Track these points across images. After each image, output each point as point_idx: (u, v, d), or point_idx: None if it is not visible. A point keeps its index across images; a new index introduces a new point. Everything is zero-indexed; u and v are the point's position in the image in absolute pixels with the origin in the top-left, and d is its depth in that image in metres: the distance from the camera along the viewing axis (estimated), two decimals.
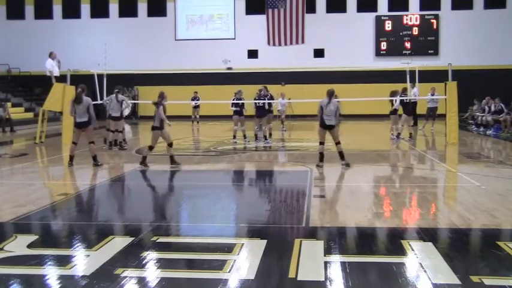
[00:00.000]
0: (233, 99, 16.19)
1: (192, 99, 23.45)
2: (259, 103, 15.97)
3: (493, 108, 19.62)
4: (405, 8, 29.21)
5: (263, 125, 16.11)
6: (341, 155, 10.82)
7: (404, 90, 16.40)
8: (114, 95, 14.27)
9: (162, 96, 11.34)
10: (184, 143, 17.44)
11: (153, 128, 11.05)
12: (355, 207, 7.36)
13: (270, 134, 16.52)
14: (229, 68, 29.23)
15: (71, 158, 11.16)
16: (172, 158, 11.25)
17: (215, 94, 25.37)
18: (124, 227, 6.39)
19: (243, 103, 16.06)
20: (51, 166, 12.16)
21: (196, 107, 23.85)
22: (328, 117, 10.52)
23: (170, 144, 11.30)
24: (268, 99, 16.27)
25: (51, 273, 4.62)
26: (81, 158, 11.99)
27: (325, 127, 10.64)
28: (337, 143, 10.80)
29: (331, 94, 10.62)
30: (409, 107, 16.27)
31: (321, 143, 10.77)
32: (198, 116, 24.01)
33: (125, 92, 24.86)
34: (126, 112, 15.51)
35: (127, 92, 26.94)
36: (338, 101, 10.95)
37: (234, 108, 16.01)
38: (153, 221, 6.57)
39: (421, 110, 21.52)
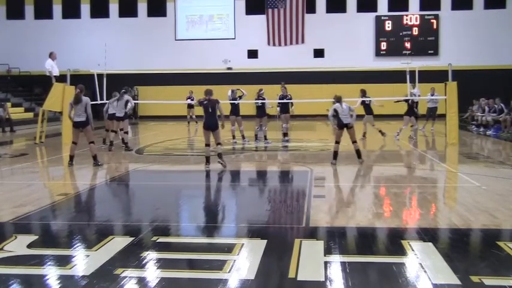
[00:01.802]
0: (229, 98, 16.13)
1: (187, 99, 23.37)
2: (258, 103, 15.96)
3: (496, 109, 19.56)
4: (405, 8, 29.21)
5: (263, 125, 16.09)
6: (358, 153, 11.16)
7: (364, 91, 16.69)
8: (120, 94, 14.32)
9: (212, 93, 11.11)
10: (183, 143, 17.45)
11: (218, 126, 10.91)
12: (355, 207, 7.36)
13: (286, 134, 16.35)
14: (229, 68, 29.22)
15: (71, 158, 11.17)
16: (220, 155, 10.90)
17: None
18: (124, 227, 6.39)
19: (238, 102, 16.01)
20: (51, 166, 12.16)
21: (191, 106, 23.74)
22: (345, 116, 10.99)
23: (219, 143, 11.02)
24: (287, 99, 16.21)
25: (51, 273, 4.62)
26: (81, 158, 11.99)
27: (342, 127, 11.01)
28: (354, 142, 11.17)
29: (339, 99, 11.10)
30: (370, 108, 16.53)
31: (337, 142, 11.16)
32: (194, 116, 23.91)
33: (130, 92, 24.89)
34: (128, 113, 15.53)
35: (127, 93, 26.93)
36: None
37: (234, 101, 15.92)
38: (153, 221, 6.56)
39: (421, 110, 21.53)
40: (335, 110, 11.01)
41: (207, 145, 10.89)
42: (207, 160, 10.81)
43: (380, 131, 16.64)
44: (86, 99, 11.11)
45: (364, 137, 16.49)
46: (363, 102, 16.49)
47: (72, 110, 11.18)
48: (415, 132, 16.91)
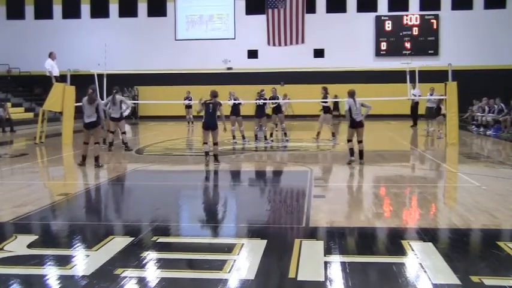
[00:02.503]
0: (229, 99, 16.13)
1: (185, 99, 23.38)
2: (259, 103, 15.97)
3: (496, 109, 19.56)
4: (405, 8, 29.23)
5: (263, 125, 16.11)
6: (361, 154, 11.11)
7: (326, 88, 16.49)
8: (112, 95, 14.24)
9: (217, 94, 11.33)
10: (183, 143, 17.46)
11: (217, 126, 11.16)
12: (355, 207, 7.36)
13: (286, 133, 16.36)
14: (229, 68, 29.23)
15: (84, 157, 11.19)
16: (216, 156, 11.30)
17: None
18: (124, 227, 6.38)
19: (239, 103, 16.04)
20: (51, 166, 12.16)
21: (189, 107, 23.73)
22: (357, 115, 10.96)
23: (216, 143, 11.36)
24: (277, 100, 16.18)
25: (51, 273, 4.62)
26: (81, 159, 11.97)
27: (355, 126, 10.98)
28: (360, 142, 11.12)
29: (353, 94, 11.04)
30: (329, 107, 16.32)
31: (350, 141, 11.16)
32: (191, 117, 23.91)
33: (124, 92, 24.86)
34: (127, 113, 15.47)
35: (126, 92, 26.95)
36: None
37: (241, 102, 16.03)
38: (153, 221, 6.56)
39: (422, 110, 21.56)
40: (349, 108, 10.97)
41: (205, 143, 11.19)
42: (207, 154, 11.12)
43: (332, 133, 16.47)
44: (98, 99, 11.22)
45: (318, 137, 16.21)
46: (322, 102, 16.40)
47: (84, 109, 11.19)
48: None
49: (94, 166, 11.02)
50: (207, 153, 11.15)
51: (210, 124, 11.04)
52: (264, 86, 17.68)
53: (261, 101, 15.93)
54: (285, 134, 16.37)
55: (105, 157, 12.74)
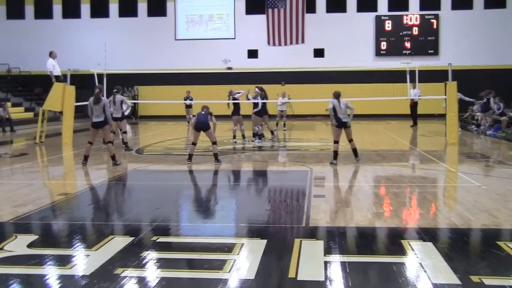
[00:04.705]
0: (232, 98, 16.11)
1: (185, 99, 23.38)
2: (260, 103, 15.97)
3: (496, 108, 19.52)
4: (405, 8, 29.23)
5: (265, 124, 16.13)
6: (355, 152, 11.26)
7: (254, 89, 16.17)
8: (113, 95, 14.23)
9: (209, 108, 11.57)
10: (183, 143, 17.43)
11: (210, 126, 11.33)
12: (355, 207, 7.35)
13: (254, 135, 16.15)
14: (229, 68, 29.23)
15: (86, 158, 11.18)
16: (215, 155, 11.46)
17: (215, 94, 25.35)
18: (124, 227, 6.38)
19: (238, 102, 16.02)
20: (51, 166, 12.16)
21: (189, 106, 23.70)
22: (344, 116, 10.97)
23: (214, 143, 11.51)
24: (261, 99, 16.06)
25: (51, 273, 4.62)
26: (82, 158, 11.96)
27: (341, 126, 11.01)
28: (350, 141, 11.26)
29: (338, 95, 11.04)
30: (265, 107, 16.03)
31: (336, 142, 11.14)
32: (191, 116, 23.87)
33: (124, 92, 24.82)
34: (127, 112, 15.46)
35: (126, 92, 26.94)
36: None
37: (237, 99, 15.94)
38: (153, 221, 6.56)
39: (422, 110, 21.60)
40: (333, 109, 11.00)
41: (194, 144, 11.47)
42: (190, 157, 11.42)
43: (253, 134, 16.13)
44: (104, 99, 11.27)
45: (273, 135, 16.38)
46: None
47: (90, 109, 11.19)
48: None
49: (112, 165, 11.08)
50: (190, 156, 11.38)
51: (201, 125, 11.24)
52: (264, 86, 17.66)
53: (257, 101, 15.92)
54: (254, 135, 15.96)
55: (105, 157, 12.74)
